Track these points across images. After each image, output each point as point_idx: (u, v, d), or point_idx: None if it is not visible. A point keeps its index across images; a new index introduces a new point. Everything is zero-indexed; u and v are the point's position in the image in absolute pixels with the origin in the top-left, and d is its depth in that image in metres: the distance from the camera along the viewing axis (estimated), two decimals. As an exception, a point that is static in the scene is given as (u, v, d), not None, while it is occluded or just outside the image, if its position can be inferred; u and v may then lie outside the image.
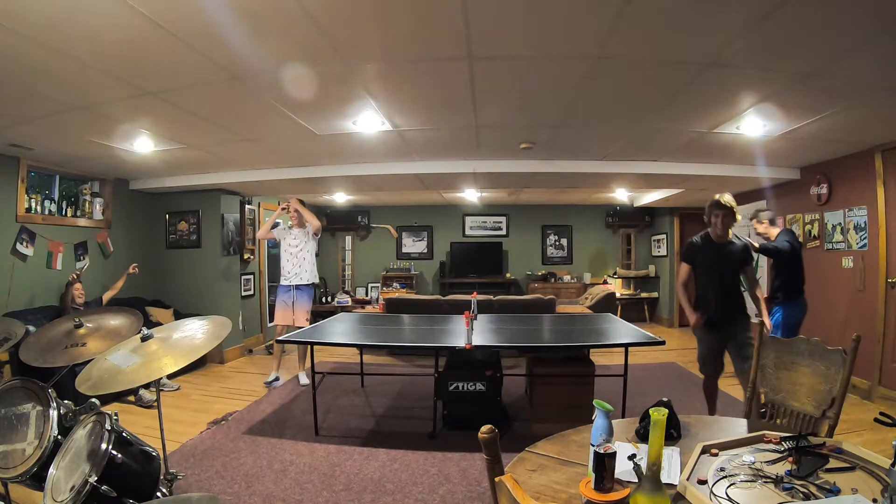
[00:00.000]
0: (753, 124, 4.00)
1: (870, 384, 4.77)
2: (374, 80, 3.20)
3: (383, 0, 2.20)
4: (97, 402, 2.08)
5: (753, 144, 4.62)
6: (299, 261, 5.88)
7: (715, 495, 1.37)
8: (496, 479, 1.04)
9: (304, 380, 5.66)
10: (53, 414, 2.18)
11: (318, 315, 9.14)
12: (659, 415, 1.35)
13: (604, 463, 1.42)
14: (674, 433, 1.88)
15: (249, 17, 2.33)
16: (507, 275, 10.40)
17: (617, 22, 2.37)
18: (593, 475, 1.45)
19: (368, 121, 4.03)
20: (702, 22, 2.37)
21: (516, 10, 2.29)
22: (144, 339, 2.26)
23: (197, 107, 3.63)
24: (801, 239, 5.45)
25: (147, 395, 4.94)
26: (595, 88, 3.32)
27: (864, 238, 4.89)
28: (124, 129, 4.12)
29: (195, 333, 2.38)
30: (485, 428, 1.16)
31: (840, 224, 5.21)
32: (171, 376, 5.41)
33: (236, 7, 2.22)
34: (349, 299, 9.56)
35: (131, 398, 4.96)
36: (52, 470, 1.89)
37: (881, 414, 1.69)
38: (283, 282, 5.90)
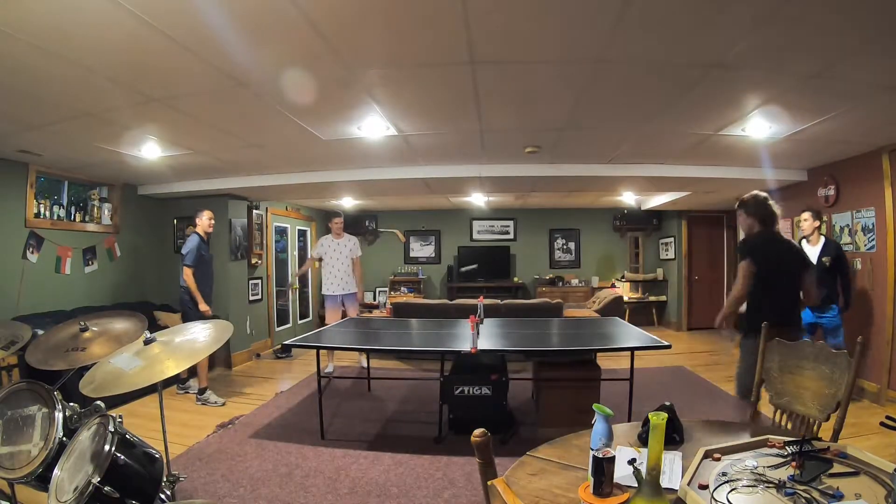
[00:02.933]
0: (759, 126, 3.97)
1: (879, 387, 4.72)
2: (378, 85, 3.22)
3: (383, 6, 2.22)
4: (102, 404, 2.10)
5: (759, 146, 4.60)
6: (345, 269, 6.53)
7: (716, 500, 1.36)
8: (488, 483, 1.04)
9: (330, 368, 6.32)
10: (59, 416, 2.19)
11: (325, 319, 9.17)
12: (658, 419, 1.34)
13: (602, 467, 1.41)
14: (676, 437, 1.87)
15: (252, 25, 2.35)
16: (515, 279, 10.39)
17: (618, 25, 2.36)
18: (592, 480, 1.45)
19: (373, 126, 4.05)
20: (703, 24, 2.36)
21: (516, 14, 2.29)
22: (147, 342, 2.27)
23: (203, 113, 3.66)
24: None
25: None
26: (598, 92, 3.31)
27: (873, 239, 4.84)
28: (132, 136, 4.16)
29: (197, 337, 2.40)
30: (477, 431, 1.16)
31: (848, 226, 5.16)
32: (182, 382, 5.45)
33: (239, 15, 2.25)
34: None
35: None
36: (56, 471, 1.90)
37: (887, 417, 1.67)
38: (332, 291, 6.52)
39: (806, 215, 4.88)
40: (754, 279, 3.21)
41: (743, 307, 3.35)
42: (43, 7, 2.11)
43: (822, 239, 4.81)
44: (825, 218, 5.49)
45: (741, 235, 4.24)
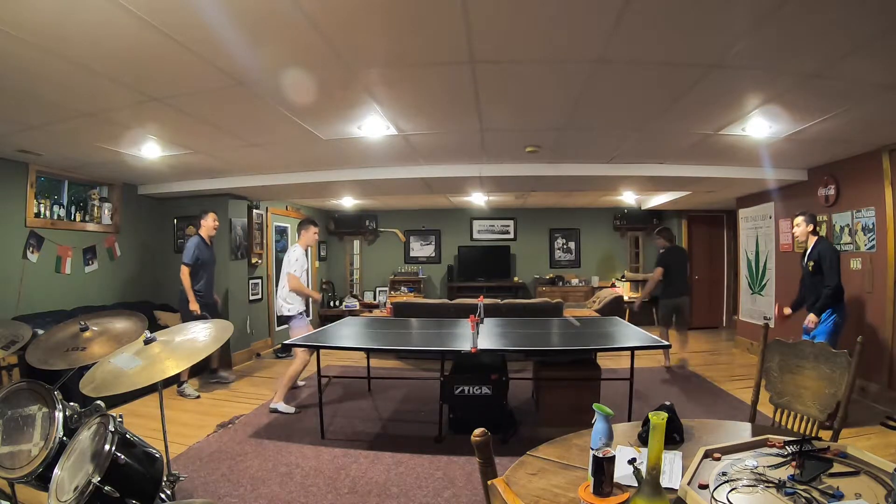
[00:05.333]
0: (759, 125, 3.97)
1: (879, 387, 4.71)
2: (378, 84, 3.21)
3: (383, 5, 2.21)
4: (102, 403, 2.10)
5: (760, 146, 4.59)
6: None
7: (716, 500, 1.36)
8: (488, 483, 1.04)
9: (283, 408, 4.80)
10: (59, 416, 2.20)
11: (326, 319, 9.18)
12: (658, 419, 1.34)
13: (602, 467, 1.42)
14: (676, 437, 1.87)
15: (252, 24, 2.35)
16: (515, 278, 10.39)
17: (618, 24, 2.36)
18: (592, 479, 1.45)
19: (374, 125, 4.04)
20: (703, 23, 2.36)
21: (516, 14, 2.29)
22: (147, 342, 2.27)
23: (203, 112, 3.66)
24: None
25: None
26: (599, 91, 3.31)
27: (873, 239, 4.83)
28: (132, 135, 4.15)
29: (197, 336, 2.40)
30: (477, 431, 1.16)
31: (848, 225, 5.15)
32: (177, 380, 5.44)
33: (238, 14, 2.24)
34: (357, 303, 9.59)
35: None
36: (56, 471, 1.90)
37: (888, 418, 1.67)
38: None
39: (798, 220, 4.51)
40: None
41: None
42: (43, 7, 2.11)
43: (815, 241, 4.44)
44: (824, 218, 5.48)
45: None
